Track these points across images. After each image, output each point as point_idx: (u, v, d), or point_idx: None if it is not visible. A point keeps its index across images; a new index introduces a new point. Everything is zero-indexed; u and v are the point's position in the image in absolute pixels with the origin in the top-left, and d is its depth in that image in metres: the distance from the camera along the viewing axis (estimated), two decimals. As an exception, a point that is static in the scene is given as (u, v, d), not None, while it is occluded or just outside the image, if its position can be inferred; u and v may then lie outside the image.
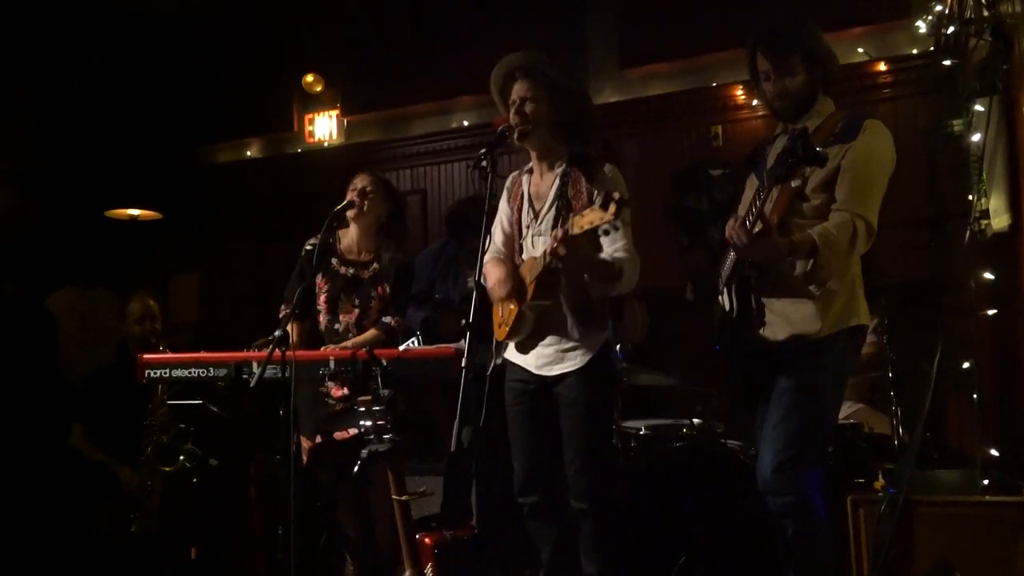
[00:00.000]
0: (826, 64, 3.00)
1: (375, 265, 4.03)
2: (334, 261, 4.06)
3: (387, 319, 3.96)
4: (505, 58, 3.27)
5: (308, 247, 4.03)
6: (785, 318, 2.92)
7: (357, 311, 3.99)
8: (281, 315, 4.02)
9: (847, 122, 2.92)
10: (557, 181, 3.16)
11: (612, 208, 2.61)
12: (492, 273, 3.15)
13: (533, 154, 3.25)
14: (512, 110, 3.17)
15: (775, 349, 2.94)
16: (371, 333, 3.93)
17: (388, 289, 3.98)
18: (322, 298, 4.05)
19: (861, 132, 2.88)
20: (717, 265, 3.13)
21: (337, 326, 4.02)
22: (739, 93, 5.75)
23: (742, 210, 3.06)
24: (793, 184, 2.76)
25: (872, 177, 2.87)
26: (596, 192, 3.02)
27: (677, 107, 6.03)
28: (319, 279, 4.04)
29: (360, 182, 4.03)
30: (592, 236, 2.86)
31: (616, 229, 2.75)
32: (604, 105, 6.17)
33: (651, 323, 4.84)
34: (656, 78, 6.14)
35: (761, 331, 2.96)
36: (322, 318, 4.04)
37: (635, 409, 4.43)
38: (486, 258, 3.17)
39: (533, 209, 3.21)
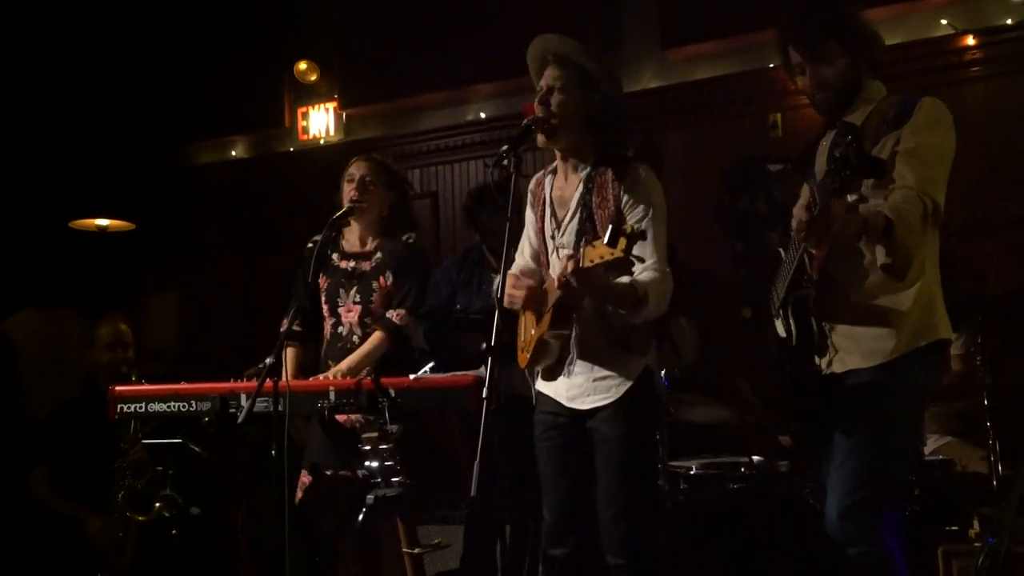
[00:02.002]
0: (869, 45, 3.00)
1: (378, 255, 4.06)
2: (335, 256, 4.09)
3: (390, 314, 3.96)
4: (540, 38, 3.29)
5: (310, 244, 4.06)
6: (851, 340, 2.90)
7: (359, 308, 4.00)
8: (282, 329, 4.05)
9: (900, 105, 2.92)
10: (580, 187, 3.16)
11: (621, 243, 2.64)
12: (513, 291, 3.16)
13: (557, 153, 3.26)
14: (537, 98, 3.18)
15: (840, 376, 2.93)
16: (372, 339, 3.93)
17: (391, 280, 3.99)
18: (323, 299, 4.07)
19: (916, 111, 2.88)
20: (771, 284, 3.12)
21: (340, 329, 4.04)
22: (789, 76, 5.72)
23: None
24: (850, 199, 2.75)
25: (933, 154, 2.86)
26: (625, 200, 3.04)
27: (728, 93, 6.02)
28: (321, 279, 4.07)
29: (358, 171, 4.06)
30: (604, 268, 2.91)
31: (643, 238, 2.77)
32: (643, 92, 6.17)
33: (702, 344, 4.83)
34: (703, 60, 6.13)
35: (824, 357, 2.95)
36: (327, 326, 4.06)
37: (684, 446, 4.41)
38: (509, 272, 3.17)
39: (555, 218, 3.22)
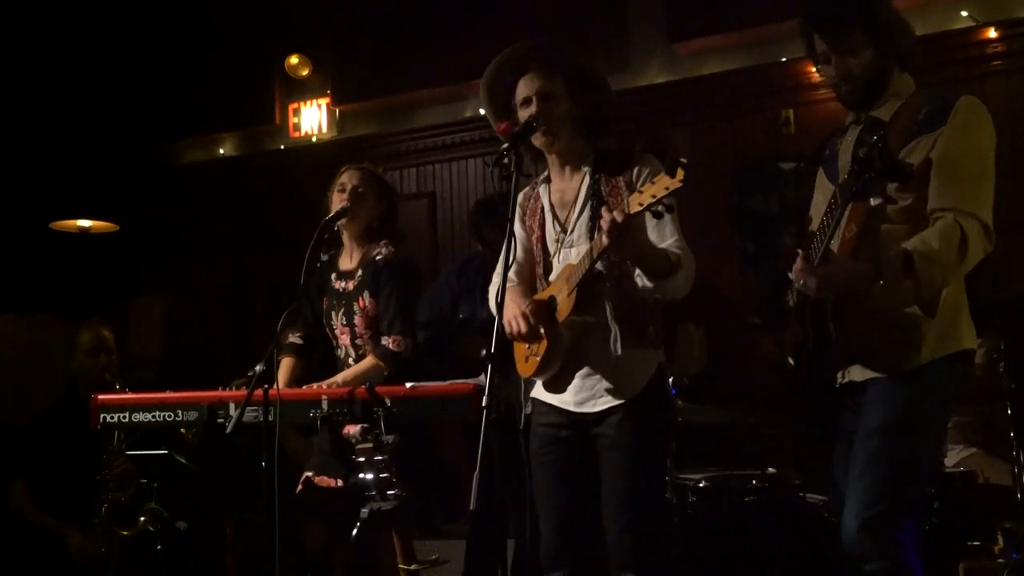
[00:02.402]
0: (897, 35, 2.97)
1: (359, 272, 4.02)
2: (333, 276, 4.08)
3: (385, 341, 3.90)
4: (496, 61, 3.29)
5: (327, 258, 4.08)
6: (870, 348, 2.88)
7: (348, 330, 4.00)
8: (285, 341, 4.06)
9: (933, 104, 2.89)
10: (586, 179, 3.16)
11: (680, 173, 2.61)
12: (507, 305, 3.13)
13: (553, 158, 3.25)
14: (534, 106, 3.16)
15: (859, 383, 2.91)
16: (367, 361, 3.90)
17: (368, 301, 3.96)
18: (324, 321, 4.08)
19: (952, 114, 2.85)
20: (788, 283, 3.10)
21: (339, 351, 4.05)
22: (814, 70, 5.68)
23: (814, 223, 3.04)
24: (872, 203, 2.74)
25: (976, 166, 2.83)
26: (638, 180, 3.03)
27: (738, 88, 6.02)
28: (323, 300, 4.07)
29: (349, 180, 4.03)
30: (642, 225, 2.90)
31: (664, 218, 2.77)
32: (649, 87, 6.17)
33: (710, 350, 4.82)
34: (712, 54, 6.13)
35: (842, 364, 2.94)
36: (334, 346, 4.08)
37: (692, 456, 4.40)
38: (519, 297, 3.17)
39: (559, 220, 3.20)
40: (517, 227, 3.31)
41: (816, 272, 2.76)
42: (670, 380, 3.29)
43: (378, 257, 3.95)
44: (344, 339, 4.00)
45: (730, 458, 4.56)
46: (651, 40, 6.26)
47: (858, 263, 2.76)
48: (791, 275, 2.86)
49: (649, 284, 2.99)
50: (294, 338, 4.09)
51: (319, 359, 4.14)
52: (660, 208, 2.69)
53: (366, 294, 3.95)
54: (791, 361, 3.12)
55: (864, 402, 2.89)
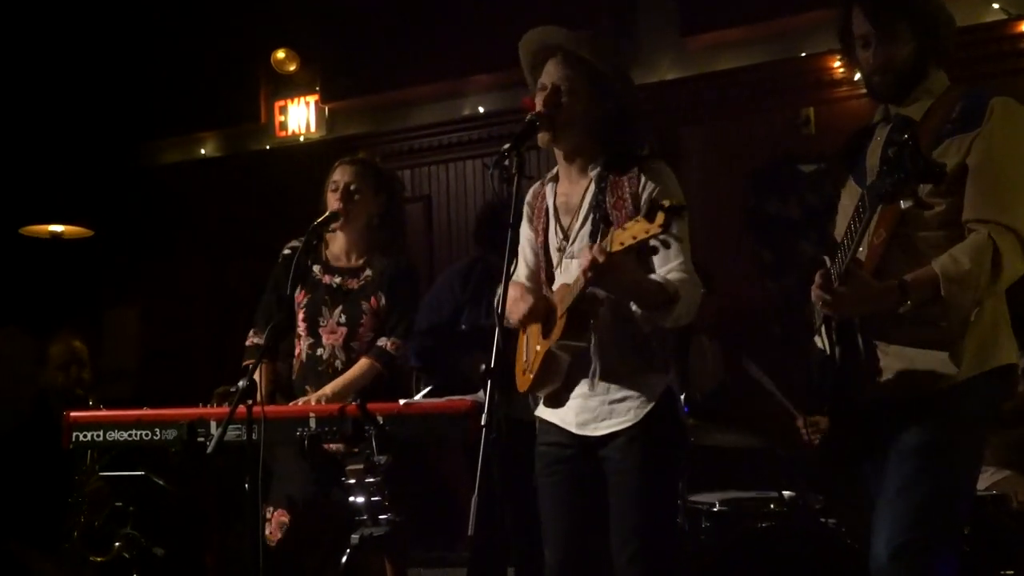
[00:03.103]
0: (940, 30, 2.98)
1: (367, 272, 4.04)
2: (316, 269, 4.07)
3: (383, 342, 3.95)
4: (544, 28, 3.27)
5: (287, 251, 4.04)
6: (905, 362, 2.88)
7: (344, 330, 3.98)
8: (248, 343, 4.03)
9: (967, 102, 2.88)
10: (591, 187, 3.15)
11: (659, 218, 2.59)
12: (513, 299, 3.14)
13: (560, 156, 3.24)
14: (540, 98, 3.16)
15: (892, 402, 2.91)
16: (361, 365, 3.91)
17: (383, 301, 3.99)
18: (300, 316, 4.05)
19: (988, 115, 2.84)
20: (810, 295, 3.10)
21: (320, 351, 4.01)
22: (836, 65, 5.74)
23: (840, 228, 3.04)
24: (903, 205, 2.73)
25: (1012, 170, 2.83)
26: (644, 195, 3.01)
27: (754, 84, 6.03)
28: (298, 293, 4.05)
29: (342, 177, 4.03)
30: (639, 254, 2.86)
31: (668, 246, 2.74)
32: (659, 84, 6.18)
33: (725, 365, 4.82)
34: (726, 48, 6.14)
35: (873, 380, 2.93)
36: (301, 344, 4.04)
37: (706, 478, 4.39)
38: (512, 281, 3.16)
39: (561, 227, 3.19)
40: (525, 227, 3.31)
41: (836, 294, 2.75)
42: (682, 398, 3.29)
43: (402, 261, 4.08)
44: (333, 339, 3.98)
45: (746, 480, 4.55)
46: (661, 33, 6.27)
47: (882, 285, 2.75)
48: (812, 295, 2.85)
49: (645, 314, 3.00)
50: (261, 340, 4.04)
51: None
52: (654, 244, 2.68)
53: (380, 295, 3.97)
54: (814, 378, 3.12)
55: (896, 422, 2.88)
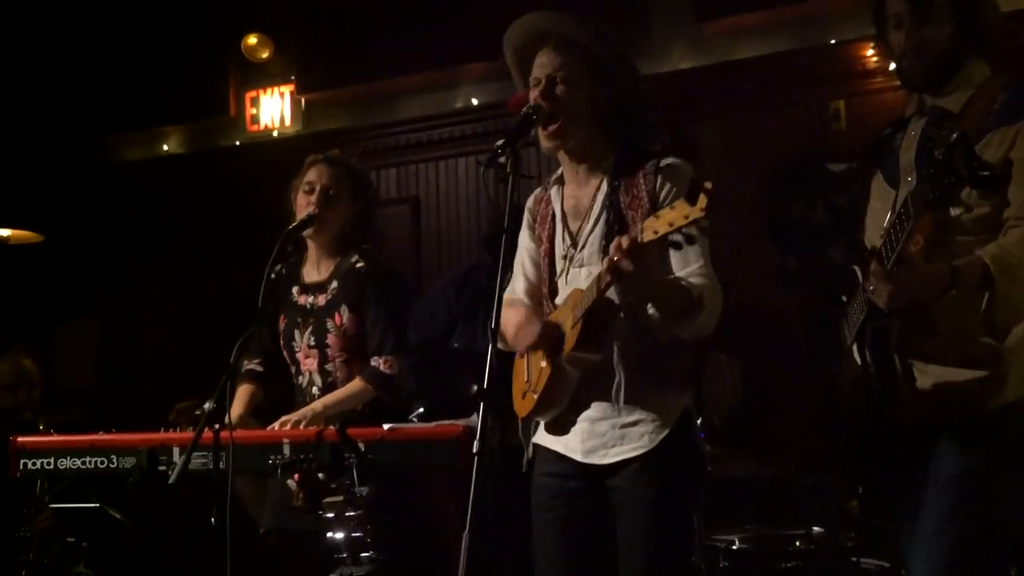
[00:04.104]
0: (984, 14, 2.99)
1: (333, 285, 4.02)
2: (295, 290, 4.07)
3: (376, 362, 3.91)
4: (528, 15, 3.27)
5: (272, 276, 4.05)
6: (944, 384, 2.88)
7: (316, 352, 3.99)
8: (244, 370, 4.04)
9: (1011, 93, 2.89)
10: (604, 187, 3.14)
11: (702, 200, 2.58)
12: (511, 317, 3.13)
13: (566, 157, 3.24)
14: (539, 90, 3.16)
15: (931, 427, 2.91)
16: (352, 386, 3.90)
17: (347, 315, 3.97)
18: (281, 343, 4.07)
19: None
20: (842, 305, 3.10)
21: (300, 379, 4.03)
22: (869, 53, 5.76)
23: (870, 231, 3.04)
24: (953, 212, 2.73)
25: None
26: (662, 194, 3.00)
27: (778, 75, 6.04)
28: (281, 319, 4.07)
29: (318, 178, 4.01)
30: (658, 254, 2.87)
31: (691, 243, 2.73)
32: (672, 73, 6.20)
33: (745, 386, 4.82)
34: (746, 34, 6.16)
35: (909, 402, 2.93)
36: (293, 375, 4.07)
37: (725, 513, 4.39)
38: (504, 298, 3.15)
39: (570, 233, 3.19)
40: (525, 237, 3.30)
41: (892, 277, 2.73)
42: (698, 422, 3.28)
43: (359, 265, 3.98)
44: (309, 364, 3.99)
45: (769, 515, 4.56)
46: (675, 18, 6.29)
47: (935, 268, 2.74)
48: (852, 300, 2.83)
49: (665, 326, 2.98)
50: (253, 365, 4.07)
51: (283, 393, 4.13)
52: (679, 238, 2.67)
53: (344, 309, 3.95)
54: (846, 400, 3.11)
55: (935, 450, 2.88)
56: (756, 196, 5.87)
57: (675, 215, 2.62)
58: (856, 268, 2.96)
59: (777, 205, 5.81)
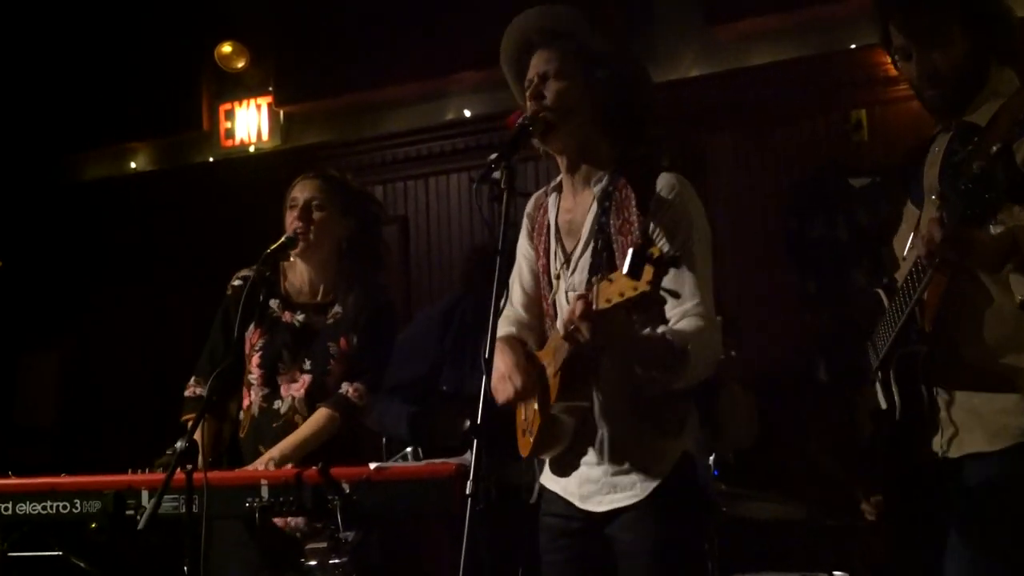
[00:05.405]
0: (997, 22, 3.01)
1: (337, 309, 4.03)
2: (274, 304, 4.07)
3: (345, 388, 3.92)
4: (519, 17, 3.29)
5: (236, 282, 4.03)
6: (973, 414, 2.89)
7: (308, 378, 3.97)
8: (188, 394, 4.01)
9: None
10: (594, 206, 3.15)
11: (647, 274, 2.57)
12: (500, 376, 3.12)
13: (561, 162, 3.24)
14: (528, 92, 3.17)
15: (960, 464, 2.92)
16: (317, 417, 3.88)
17: (355, 342, 3.99)
18: (255, 361, 4.03)
19: None
20: (866, 332, 3.12)
21: (277, 403, 3.98)
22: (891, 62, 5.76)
23: (901, 259, 3.05)
24: (993, 230, 2.74)
25: None
26: (655, 220, 2.99)
27: (795, 82, 6.06)
28: (250, 333, 4.05)
29: (302, 193, 4.03)
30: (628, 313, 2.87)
31: (664, 302, 2.69)
32: (682, 81, 6.21)
33: (762, 419, 4.82)
34: (761, 39, 6.19)
35: (938, 438, 2.94)
36: (252, 396, 4.01)
37: (740, 557, 4.39)
38: (500, 333, 3.16)
39: (564, 250, 3.19)
40: (524, 243, 3.31)
41: (954, 235, 2.65)
42: (710, 460, 3.29)
43: (381, 298, 4.08)
44: (294, 389, 3.96)
45: (789, 559, 4.56)
46: (683, 22, 6.32)
47: (996, 235, 2.71)
48: (875, 326, 2.83)
49: (648, 376, 2.98)
50: (203, 390, 3.98)
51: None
52: (650, 293, 2.63)
53: (352, 337, 3.96)
54: (866, 433, 3.12)
55: (966, 484, 2.89)
56: (771, 214, 5.88)
57: (623, 286, 2.58)
58: (881, 292, 2.97)
59: (794, 223, 5.81)
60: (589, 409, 3.03)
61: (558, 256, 3.19)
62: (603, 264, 2.95)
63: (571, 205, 3.20)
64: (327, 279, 4.06)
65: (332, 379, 3.95)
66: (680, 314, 2.95)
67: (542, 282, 3.24)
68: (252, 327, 4.02)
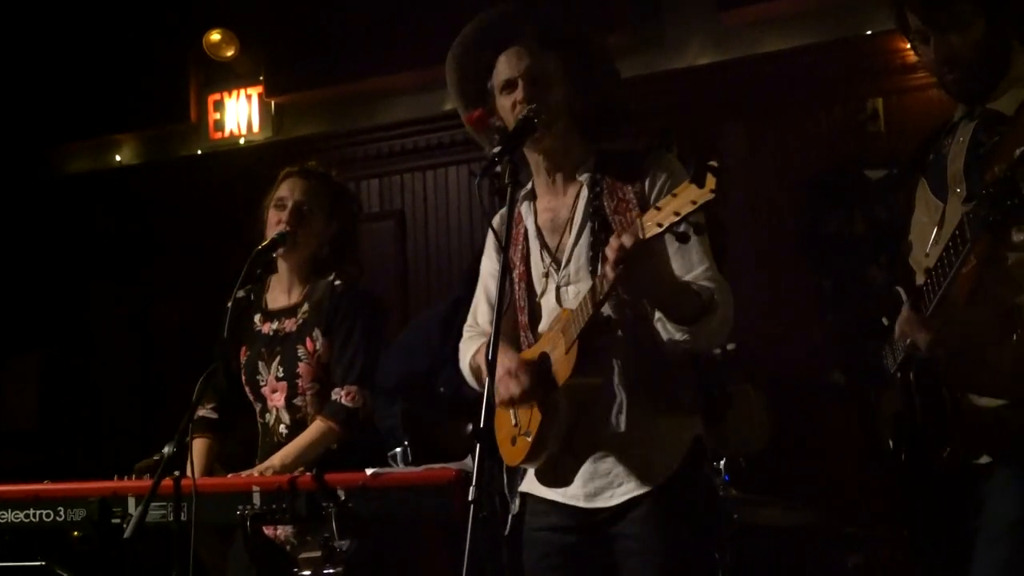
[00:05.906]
0: (1013, 4, 3.01)
1: (304, 307, 4.02)
2: (257, 318, 4.07)
3: (336, 394, 3.89)
4: (481, 17, 3.32)
5: (239, 295, 4.03)
6: (996, 421, 2.89)
7: (284, 385, 3.98)
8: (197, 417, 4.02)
9: None
10: (584, 193, 3.16)
11: (711, 181, 2.56)
12: (502, 375, 3.12)
13: (541, 164, 3.25)
14: (520, 91, 3.17)
15: (983, 470, 2.92)
16: (313, 429, 3.87)
17: (320, 340, 3.96)
18: (243, 379, 4.05)
19: None
20: (885, 331, 3.11)
21: (268, 417, 4.01)
22: (910, 46, 5.73)
23: (916, 248, 3.06)
24: (1016, 237, 2.74)
25: None
26: (655, 190, 3.02)
27: (808, 71, 6.06)
28: (243, 351, 4.05)
29: (291, 193, 4.02)
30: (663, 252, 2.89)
31: (696, 236, 2.71)
32: (690, 70, 6.22)
33: (776, 422, 4.81)
34: (773, 25, 6.18)
35: (959, 442, 2.94)
36: (257, 415, 4.05)
37: (752, 568, 4.38)
38: (467, 335, 3.18)
39: (548, 250, 3.20)
40: (489, 262, 3.33)
41: (929, 325, 2.75)
42: (721, 464, 3.29)
43: (336, 283, 3.98)
44: (276, 400, 3.97)
45: (805, 568, 4.55)
46: (692, 7, 6.32)
47: (982, 311, 2.75)
48: (894, 326, 2.84)
49: (676, 333, 2.98)
50: (206, 411, 4.04)
51: (242, 437, 4.12)
52: (686, 228, 2.65)
53: (317, 334, 3.94)
54: (887, 437, 3.11)
55: (989, 494, 2.89)
56: (785, 207, 5.88)
57: (680, 202, 2.58)
58: (900, 289, 2.97)
59: (809, 218, 5.81)
60: (599, 386, 3.02)
61: (543, 257, 3.19)
62: (604, 244, 2.94)
63: (551, 203, 3.23)
64: (301, 280, 4.06)
65: (304, 382, 3.93)
66: (693, 279, 2.97)
67: (518, 292, 3.23)
68: (243, 346, 4.04)
